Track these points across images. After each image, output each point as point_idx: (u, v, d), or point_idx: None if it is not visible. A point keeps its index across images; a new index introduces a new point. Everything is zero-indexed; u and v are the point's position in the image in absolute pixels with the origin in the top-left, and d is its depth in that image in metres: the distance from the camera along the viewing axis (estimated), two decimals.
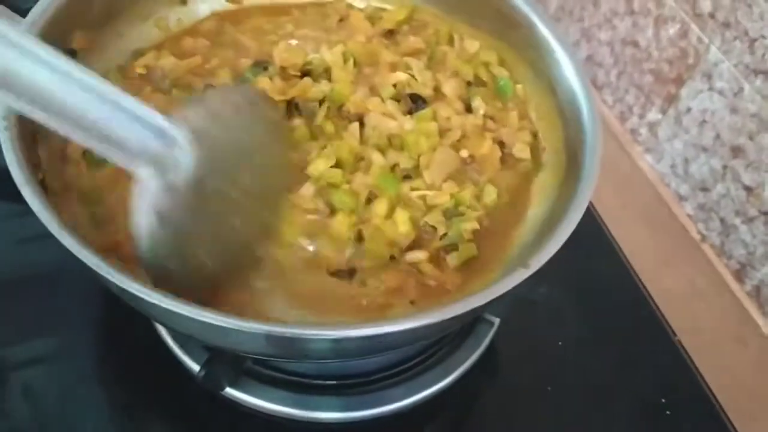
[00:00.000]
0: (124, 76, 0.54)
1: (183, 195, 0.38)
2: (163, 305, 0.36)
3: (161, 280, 0.39)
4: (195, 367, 0.52)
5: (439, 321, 0.38)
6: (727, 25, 0.70)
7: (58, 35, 0.48)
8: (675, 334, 0.62)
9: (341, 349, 0.41)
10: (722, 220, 0.74)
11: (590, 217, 0.70)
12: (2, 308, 0.57)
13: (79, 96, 0.34)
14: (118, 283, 0.37)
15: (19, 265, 0.59)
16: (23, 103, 0.34)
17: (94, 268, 0.37)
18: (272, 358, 0.51)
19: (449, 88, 0.55)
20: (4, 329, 0.56)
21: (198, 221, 0.40)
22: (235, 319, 0.36)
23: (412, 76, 0.54)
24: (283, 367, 0.53)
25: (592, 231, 0.69)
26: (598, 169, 0.46)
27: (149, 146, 0.37)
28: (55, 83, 0.34)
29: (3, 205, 0.62)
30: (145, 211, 0.38)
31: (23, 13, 0.50)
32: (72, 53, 0.51)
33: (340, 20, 0.60)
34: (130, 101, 0.36)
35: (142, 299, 0.37)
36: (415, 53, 0.57)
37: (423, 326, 0.38)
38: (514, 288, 0.40)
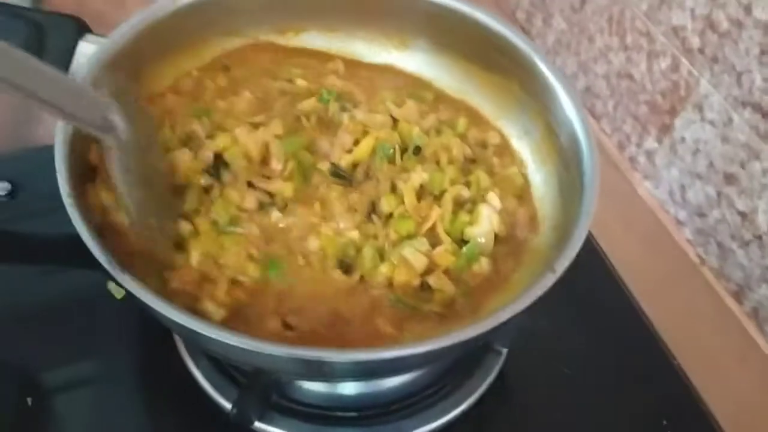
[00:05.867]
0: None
1: (130, 157, 0.48)
2: (214, 336, 0.41)
3: (149, 240, 0.49)
4: (225, 404, 0.56)
5: (480, 333, 0.43)
6: (715, 60, 0.73)
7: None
8: (675, 358, 0.65)
9: (358, 369, 0.45)
10: (719, 244, 0.77)
11: (590, 244, 0.73)
12: (33, 336, 0.60)
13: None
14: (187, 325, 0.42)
15: (41, 296, 0.63)
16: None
17: (172, 316, 0.42)
18: (298, 378, 0.55)
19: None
20: (37, 357, 0.59)
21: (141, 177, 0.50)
22: (263, 343, 0.41)
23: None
24: (307, 401, 0.57)
25: (592, 257, 0.72)
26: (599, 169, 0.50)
27: (97, 121, 0.46)
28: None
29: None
30: (119, 170, 0.47)
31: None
32: None
33: None
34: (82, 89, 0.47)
35: (195, 332, 0.42)
36: None
37: (454, 344, 0.42)
38: (543, 294, 0.44)
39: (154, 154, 0.53)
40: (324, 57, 0.65)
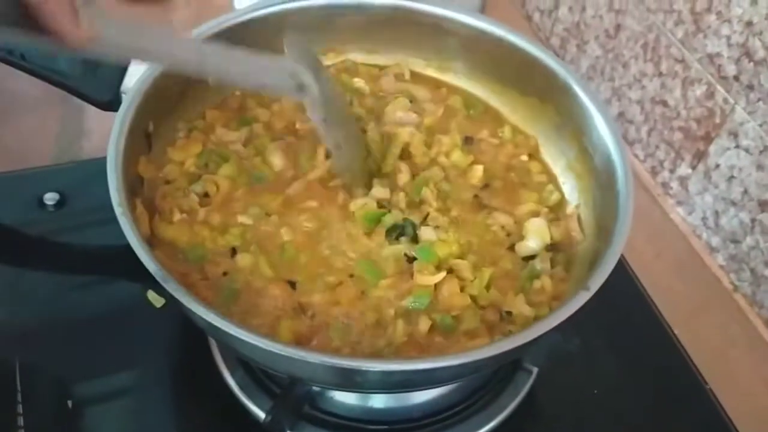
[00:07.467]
0: None
1: (325, 108, 0.56)
2: (260, 345, 0.43)
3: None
4: (259, 413, 0.57)
5: (516, 346, 0.44)
6: (751, 87, 0.74)
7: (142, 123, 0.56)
8: (706, 383, 0.65)
9: (391, 380, 0.46)
10: (753, 271, 0.77)
11: (622, 268, 0.74)
12: (73, 344, 0.62)
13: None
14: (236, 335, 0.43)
15: (81, 305, 0.65)
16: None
17: (213, 322, 0.44)
18: (332, 387, 0.56)
19: None
20: (76, 364, 0.61)
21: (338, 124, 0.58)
22: (298, 350, 0.43)
23: None
24: (338, 412, 0.58)
25: (624, 282, 0.73)
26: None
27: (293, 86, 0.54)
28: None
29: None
30: (318, 121, 0.56)
31: (103, 106, 0.58)
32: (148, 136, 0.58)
33: None
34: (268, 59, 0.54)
35: (239, 339, 0.43)
36: None
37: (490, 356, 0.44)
38: (577, 312, 0.45)
39: (340, 100, 0.62)
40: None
